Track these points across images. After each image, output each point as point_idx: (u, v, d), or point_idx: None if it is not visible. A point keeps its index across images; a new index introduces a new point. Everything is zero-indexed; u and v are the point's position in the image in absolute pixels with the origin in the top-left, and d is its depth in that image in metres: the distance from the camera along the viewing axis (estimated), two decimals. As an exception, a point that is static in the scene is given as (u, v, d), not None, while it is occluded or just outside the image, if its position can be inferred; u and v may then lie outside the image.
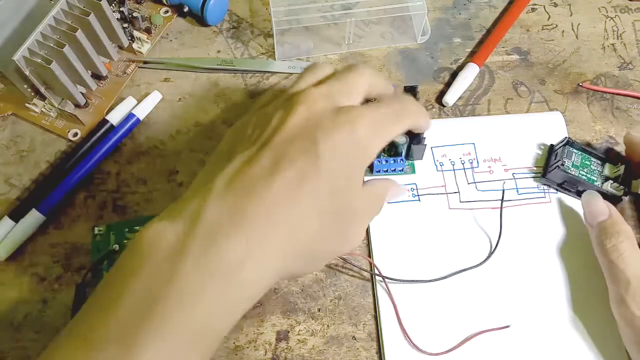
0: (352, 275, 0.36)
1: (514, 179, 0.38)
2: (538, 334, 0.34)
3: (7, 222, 0.36)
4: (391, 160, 0.35)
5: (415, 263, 0.35)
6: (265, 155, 0.24)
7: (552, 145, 0.39)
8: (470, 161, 0.38)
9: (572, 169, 0.37)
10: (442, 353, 0.33)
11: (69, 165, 0.38)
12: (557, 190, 0.38)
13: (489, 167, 0.38)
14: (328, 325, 0.34)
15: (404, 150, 0.35)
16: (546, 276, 0.36)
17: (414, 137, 0.34)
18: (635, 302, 0.29)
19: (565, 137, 0.39)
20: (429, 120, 0.32)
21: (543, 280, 0.35)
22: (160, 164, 0.39)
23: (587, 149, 0.38)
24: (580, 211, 0.37)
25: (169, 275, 0.21)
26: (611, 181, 0.37)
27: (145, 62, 0.42)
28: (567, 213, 0.37)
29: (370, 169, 0.36)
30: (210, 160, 0.27)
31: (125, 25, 0.42)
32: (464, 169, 0.38)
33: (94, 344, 0.20)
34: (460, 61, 0.44)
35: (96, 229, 0.35)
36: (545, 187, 0.38)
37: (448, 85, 0.42)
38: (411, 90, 0.37)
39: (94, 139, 0.39)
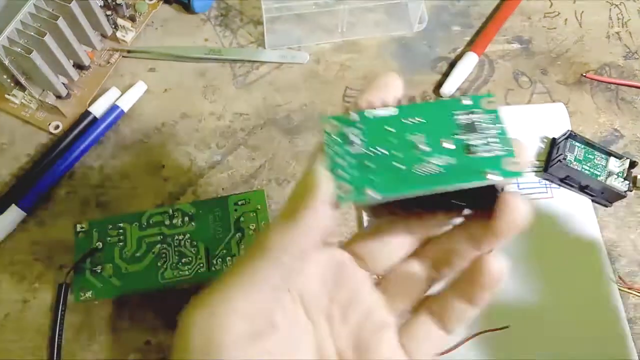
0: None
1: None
2: (538, 335, 0.34)
3: (-14, 218, 0.36)
4: None
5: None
6: None
7: (554, 139, 0.40)
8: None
9: (575, 163, 0.38)
10: (440, 354, 0.33)
11: (50, 159, 0.39)
12: (559, 185, 0.39)
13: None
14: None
15: None
16: (547, 275, 0.36)
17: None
18: None
19: (568, 130, 0.39)
20: None
21: (544, 279, 0.36)
22: (145, 158, 0.39)
23: (590, 142, 0.39)
24: (582, 208, 0.37)
25: None
26: (615, 176, 0.38)
27: (129, 52, 0.43)
28: (569, 209, 0.38)
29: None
30: None
31: (109, 12, 0.42)
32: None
33: None
34: (459, 50, 0.44)
35: (78, 226, 0.35)
36: (547, 182, 0.39)
37: (446, 75, 0.43)
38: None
39: (76, 131, 0.40)
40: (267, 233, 0.19)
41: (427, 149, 0.20)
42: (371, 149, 0.20)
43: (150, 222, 0.35)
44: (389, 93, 0.21)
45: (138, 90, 0.41)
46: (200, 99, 0.42)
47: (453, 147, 0.20)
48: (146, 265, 0.34)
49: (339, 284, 0.22)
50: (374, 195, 0.19)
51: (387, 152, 0.20)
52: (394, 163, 0.20)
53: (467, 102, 0.21)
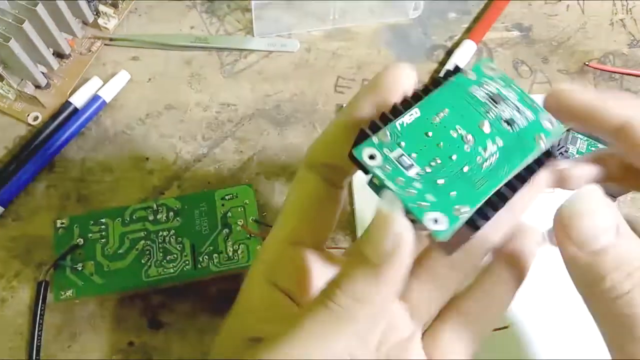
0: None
1: None
2: (538, 335, 0.34)
3: (-39, 213, 0.36)
4: None
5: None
6: None
7: (554, 130, 0.39)
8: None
9: (577, 156, 0.37)
10: None
11: (28, 152, 0.38)
12: (560, 178, 0.38)
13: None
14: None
15: None
16: (547, 274, 0.35)
17: None
18: None
19: (569, 121, 0.39)
20: None
21: (543, 278, 0.35)
22: (129, 151, 0.39)
23: (593, 134, 0.38)
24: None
25: None
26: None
27: (111, 39, 0.42)
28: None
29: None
30: None
31: (90, -2, 0.42)
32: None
33: None
34: (456, 38, 0.44)
35: (59, 221, 0.35)
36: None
37: (443, 64, 0.43)
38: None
39: (56, 123, 0.39)
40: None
41: (473, 139, 0.19)
42: (429, 163, 0.18)
43: (134, 217, 0.35)
44: (400, 90, 0.20)
45: (121, 79, 0.41)
46: (185, 89, 0.41)
47: (490, 128, 0.19)
48: (129, 263, 0.34)
49: None
50: (467, 212, 0.17)
51: (444, 160, 0.19)
52: (459, 168, 0.18)
53: (471, 76, 0.20)
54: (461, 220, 0.17)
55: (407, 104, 0.19)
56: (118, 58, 0.42)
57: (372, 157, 0.18)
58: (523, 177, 0.19)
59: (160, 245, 0.34)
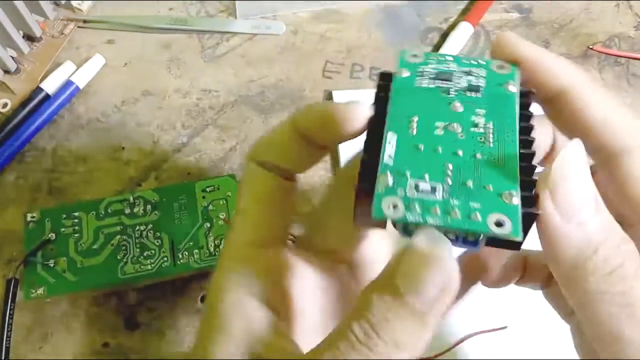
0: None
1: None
2: (537, 336, 0.34)
3: None
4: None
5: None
6: None
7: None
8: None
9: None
10: (435, 356, 0.33)
11: (-4, 141, 0.38)
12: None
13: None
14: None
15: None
16: None
17: None
18: None
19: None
20: None
21: None
22: (104, 140, 0.39)
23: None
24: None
25: None
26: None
27: (85, 21, 0.42)
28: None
29: None
30: None
31: (63, -23, 0.41)
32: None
33: None
34: (452, 20, 0.44)
35: (29, 215, 0.34)
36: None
37: (437, 48, 0.42)
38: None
39: (26, 110, 0.39)
40: None
41: (459, 124, 0.18)
42: (444, 173, 0.17)
43: (109, 210, 0.34)
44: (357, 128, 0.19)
45: (95, 64, 0.40)
46: (164, 74, 0.41)
47: (462, 105, 0.19)
48: (104, 259, 0.33)
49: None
50: (515, 194, 0.16)
51: (454, 161, 0.17)
52: (471, 159, 0.17)
53: (405, 73, 0.20)
54: (520, 207, 0.16)
55: (373, 134, 0.18)
56: (92, 41, 0.42)
57: (394, 206, 0.16)
58: (527, 128, 0.19)
59: (137, 241, 0.34)
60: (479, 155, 0.17)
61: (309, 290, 0.22)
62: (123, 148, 0.38)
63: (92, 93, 0.40)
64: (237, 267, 0.20)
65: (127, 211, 0.34)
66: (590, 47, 0.42)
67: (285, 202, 0.22)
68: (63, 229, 0.34)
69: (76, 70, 0.40)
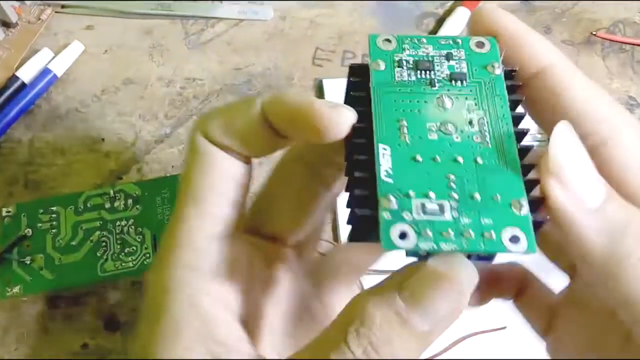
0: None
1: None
2: (536, 336, 0.34)
3: None
4: None
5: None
6: None
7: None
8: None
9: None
10: (433, 356, 0.33)
11: (-30, 132, 0.37)
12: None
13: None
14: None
15: None
16: (545, 271, 0.35)
17: None
18: None
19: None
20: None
21: (542, 276, 0.35)
22: (82, 131, 0.38)
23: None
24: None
25: None
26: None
27: (63, 6, 0.42)
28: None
29: None
30: None
31: (39, -41, 0.41)
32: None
33: None
34: (448, 5, 0.43)
35: (4, 209, 0.34)
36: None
37: (433, 34, 0.42)
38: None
39: (1, 99, 0.38)
40: None
41: (451, 124, 0.17)
42: (449, 187, 0.16)
43: (88, 205, 0.34)
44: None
45: (74, 51, 0.40)
46: (146, 62, 0.40)
47: (450, 99, 0.18)
48: (83, 256, 0.33)
49: None
50: (524, 202, 0.16)
51: (457, 170, 0.16)
52: (473, 164, 0.17)
53: (381, 65, 0.18)
54: (530, 216, 0.16)
55: (360, 146, 0.17)
56: (70, 27, 0.41)
57: (403, 235, 0.15)
58: (519, 118, 0.18)
59: (117, 236, 0.34)
60: (479, 160, 0.17)
61: (261, 281, 0.21)
62: (103, 139, 0.38)
63: (70, 81, 0.39)
64: (191, 262, 0.19)
65: (107, 206, 0.34)
66: (594, 33, 0.42)
67: (244, 187, 0.20)
68: (40, 225, 0.33)
69: (54, 57, 0.39)
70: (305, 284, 0.23)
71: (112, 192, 0.34)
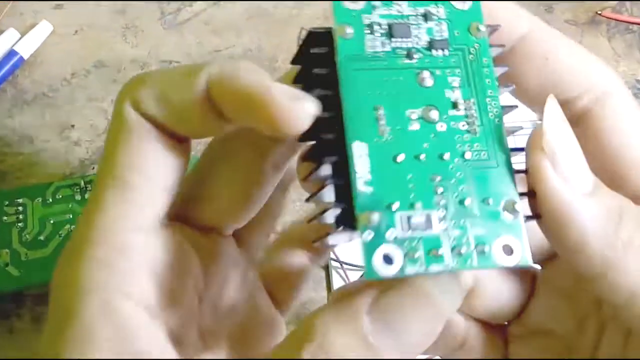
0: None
1: (513, 135, 0.36)
2: None
3: None
4: None
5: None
6: None
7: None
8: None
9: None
10: (431, 357, 0.32)
11: None
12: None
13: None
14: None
15: None
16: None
17: None
18: None
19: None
20: None
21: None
22: (51, 117, 0.38)
23: None
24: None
25: None
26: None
27: None
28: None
29: None
30: None
31: None
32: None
33: None
34: None
35: None
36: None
37: None
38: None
39: None
40: None
41: (434, 108, 0.15)
42: (435, 193, 0.15)
43: (57, 197, 0.34)
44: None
45: (41, 31, 0.39)
46: (119, 43, 0.40)
47: (431, 76, 0.16)
48: (52, 251, 0.32)
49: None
50: (517, 204, 0.15)
51: (442, 171, 0.15)
52: (460, 160, 0.15)
53: (348, 30, 0.16)
54: (523, 221, 0.15)
55: (327, 145, 0.15)
56: (38, 6, 0.40)
57: (387, 259, 0.14)
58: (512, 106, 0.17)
59: None
60: (468, 155, 0.15)
61: (195, 278, 0.19)
62: (73, 126, 0.38)
63: (38, 64, 0.39)
64: (109, 259, 0.17)
65: (78, 197, 0.34)
66: (599, 12, 0.41)
67: (179, 171, 0.18)
68: (5, 217, 0.33)
69: (20, 38, 0.39)
70: (248, 280, 0.21)
71: (82, 182, 0.34)
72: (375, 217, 0.14)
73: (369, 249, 0.14)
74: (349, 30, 0.15)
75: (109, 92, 0.38)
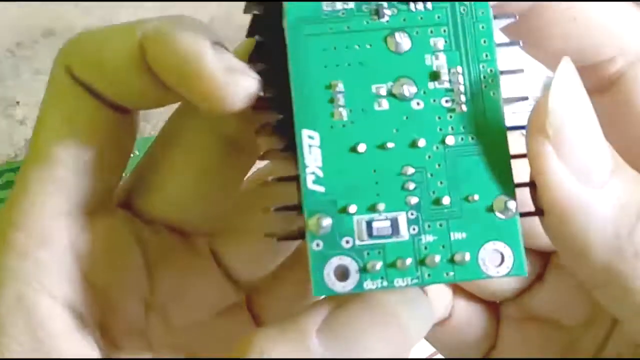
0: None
1: (514, 107, 0.36)
2: None
3: None
4: None
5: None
6: None
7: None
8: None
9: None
10: (431, 355, 0.33)
11: None
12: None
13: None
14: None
15: None
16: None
17: None
18: None
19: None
20: None
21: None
22: None
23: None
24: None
25: None
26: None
27: None
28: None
29: None
30: None
31: None
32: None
33: None
34: None
35: None
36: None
37: None
38: None
39: None
40: None
41: (410, 79, 0.13)
42: (403, 189, 0.13)
43: (1, 181, 0.34)
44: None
45: None
46: (70, 10, 0.39)
47: (408, 40, 0.13)
48: None
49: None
50: (511, 203, 0.13)
51: (415, 160, 0.13)
52: (440, 148, 0.13)
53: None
54: (519, 223, 0.13)
55: (281, 123, 0.13)
56: None
57: (341, 273, 0.12)
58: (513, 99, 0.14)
59: None
60: (450, 140, 0.13)
61: (137, 278, 0.17)
62: (18, 102, 0.37)
63: None
64: (28, 248, 0.15)
65: None
66: None
67: (119, 148, 0.17)
68: None
69: None
70: (225, 301, 0.19)
71: (29, 166, 0.33)
72: (327, 222, 0.12)
73: (318, 261, 0.12)
74: None
75: (59, 64, 0.37)
